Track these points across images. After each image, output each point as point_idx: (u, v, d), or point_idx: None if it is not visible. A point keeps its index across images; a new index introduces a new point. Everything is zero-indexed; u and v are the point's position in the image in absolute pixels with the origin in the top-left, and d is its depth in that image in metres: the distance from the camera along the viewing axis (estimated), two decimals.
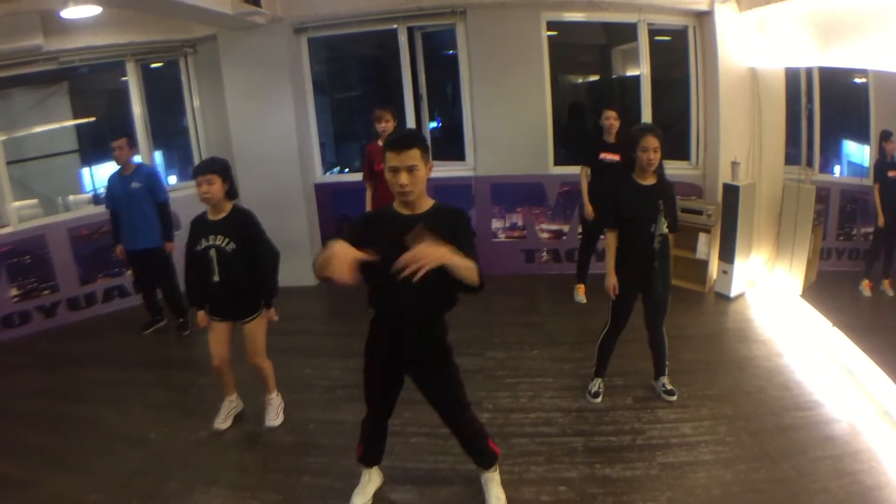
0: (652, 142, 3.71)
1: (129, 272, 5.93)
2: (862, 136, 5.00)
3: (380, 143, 5.29)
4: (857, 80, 4.84)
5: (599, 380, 4.23)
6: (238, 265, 3.70)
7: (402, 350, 2.87)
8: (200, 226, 3.72)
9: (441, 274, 2.34)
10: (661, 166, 3.82)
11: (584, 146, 5.58)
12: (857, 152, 5.24)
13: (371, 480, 3.33)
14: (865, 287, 5.04)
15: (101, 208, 6.31)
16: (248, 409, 4.25)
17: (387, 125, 5.20)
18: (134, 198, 5.31)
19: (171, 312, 5.69)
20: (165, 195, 5.49)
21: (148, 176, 5.39)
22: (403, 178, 2.57)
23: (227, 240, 3.67)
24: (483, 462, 3.22)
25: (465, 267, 2.39)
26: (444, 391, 3.01)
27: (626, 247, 3.89)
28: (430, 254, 2.25)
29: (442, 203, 2.76)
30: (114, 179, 5.41)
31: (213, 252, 3.66)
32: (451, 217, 2.69)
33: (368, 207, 5.36)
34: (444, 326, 2.91)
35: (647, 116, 6.25)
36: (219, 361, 3.92)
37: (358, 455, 3.28)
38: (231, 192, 3.76)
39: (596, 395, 4.16)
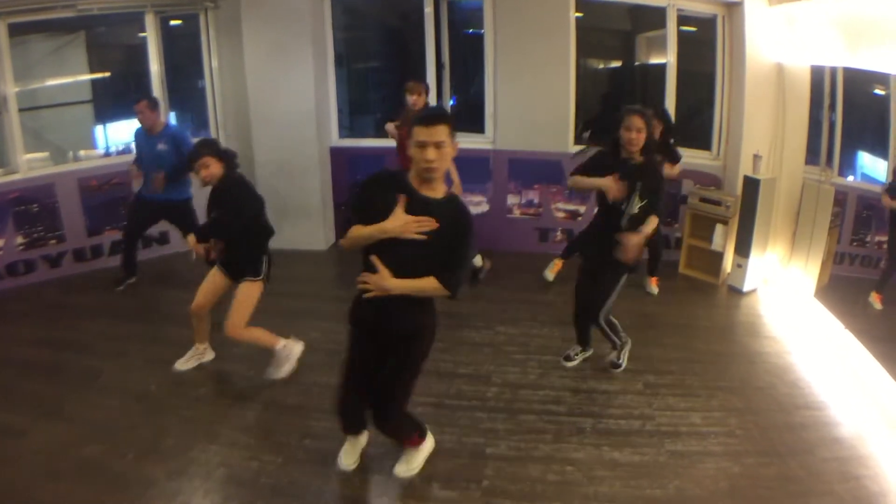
0: (636, 122, 3.63)
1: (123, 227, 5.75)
2: (879, 149, 4.95)
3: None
4: (879, 92, 4.77)
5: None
6: None
7: (381, 320, 2.88)
8: None
9: (433, 262, 2.63)
10: (649, 149, 3.72)
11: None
12: (872, 164, 5.20)
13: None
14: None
15: (112, 160, 6.22)
16: (254, 371, 4.20)
17: (418, 98, 5.24)
18: (160, 158, 5.24)
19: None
20: None
21: (173, 137, 5.30)
22: (430, 153, 2.55)
23: None
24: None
25: (417, 289, 2.67)
26: (396, 374, 2.99)
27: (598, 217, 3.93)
28: (382, 286, 2.63)
29: (455, 197, 2.75)
30: (140, 138, 5.36)
31: None
32: (459, 221, 2.68)
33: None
34: (430, 310, 2.91)
35: (671, 106, 6.13)
36: (197, 308, 4.05)
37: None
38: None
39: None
